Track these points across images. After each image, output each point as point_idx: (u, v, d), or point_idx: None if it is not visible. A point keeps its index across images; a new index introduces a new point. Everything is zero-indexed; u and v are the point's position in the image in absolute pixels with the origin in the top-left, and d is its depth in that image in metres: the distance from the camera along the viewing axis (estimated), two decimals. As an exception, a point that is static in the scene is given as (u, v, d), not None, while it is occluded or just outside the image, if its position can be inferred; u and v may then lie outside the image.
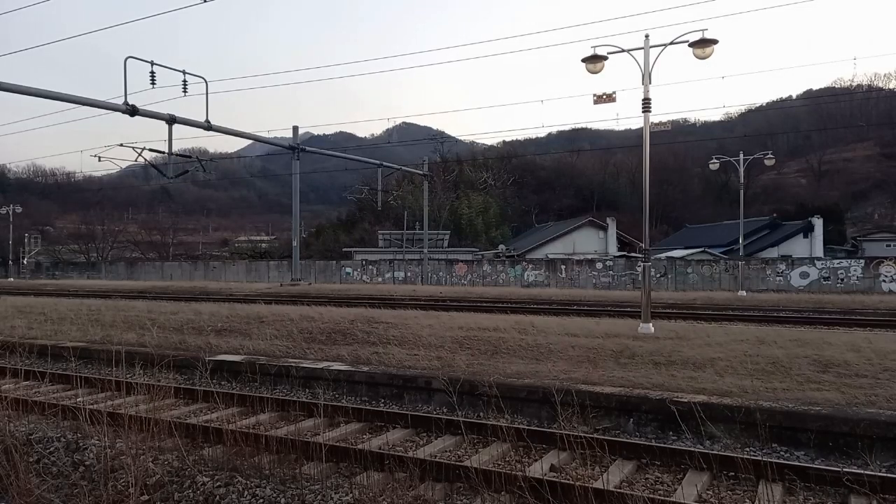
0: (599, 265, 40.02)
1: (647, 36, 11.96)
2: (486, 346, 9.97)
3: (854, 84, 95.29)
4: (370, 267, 46.50)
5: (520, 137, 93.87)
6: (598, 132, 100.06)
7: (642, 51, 11.92)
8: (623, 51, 11.94)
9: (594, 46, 12.02)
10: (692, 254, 43.41)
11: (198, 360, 9.80)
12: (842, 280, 33.06)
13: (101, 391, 8.43)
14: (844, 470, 5.03)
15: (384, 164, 36.57)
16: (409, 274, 44.68)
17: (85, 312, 15.87)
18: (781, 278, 34.53)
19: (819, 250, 46.98)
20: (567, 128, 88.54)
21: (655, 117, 14.30)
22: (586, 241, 54.55)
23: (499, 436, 6.05)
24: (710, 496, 4.97)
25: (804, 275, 34.08)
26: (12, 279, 56.87)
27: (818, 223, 48.98)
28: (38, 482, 5.24)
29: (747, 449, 5.97)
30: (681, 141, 65.88)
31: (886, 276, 32.26)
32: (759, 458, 5.47)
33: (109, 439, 5.69)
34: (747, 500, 4.94)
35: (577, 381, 7.57)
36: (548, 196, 76.84)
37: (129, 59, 21.17)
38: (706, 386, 7.20)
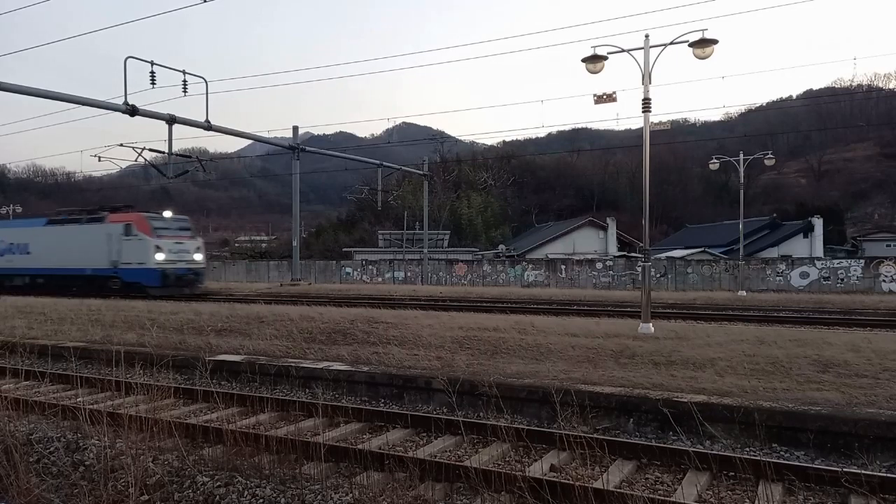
0: (599, 265, 40.02)
1: (647, 36, 11.96)
2: (486, 346, 9.97)
3: (854, 84, 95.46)
4: (370, 267, 46.49)
5: (520, 137, 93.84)
6: (598, 132, 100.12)
7: (642, 51, 11.91)
8: (623, 51, 11.94)
9: (594, 46, 12.02)
10: (692, 254, 43.40)
11: (198, 360, 9.79)
12: (842, 280, 33.05)
13: (101, 391, 8.44)
14: (844, 470, 5.03)
15: (384, 164, 36.57)
16: (409, 274, 44.68)
17: (85, 312, 15.86)
18: (781, 278, 34.52)
19: (819, 250, 46.97)
20: (567, 128, 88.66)
21: (655, 117, 14.30)
22: (586, 241, 54.55)
23: (499, 436, 6.05)
24: (710, 496, 4.97)
25: (804, 275, 34.08)
26: (12, 279, 56.79)
27: (818, 223, 48.98)
28: (38, 482, 5.24)
29: (747, 449, 5.97)
30: (681, 141, 65.83)
31: (886, 276, 32.25)
32: (759, 458, 5.47)
33: (109, 439, 5.69)
34: (747, 500, 4.95)
35: (576, 381, 7.56)
36: (548, 196, 76.84)
37: (129, 59, 21.18)
38: (706, 386, 7.20)
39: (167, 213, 27.73)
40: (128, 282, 25.42)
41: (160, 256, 25.16)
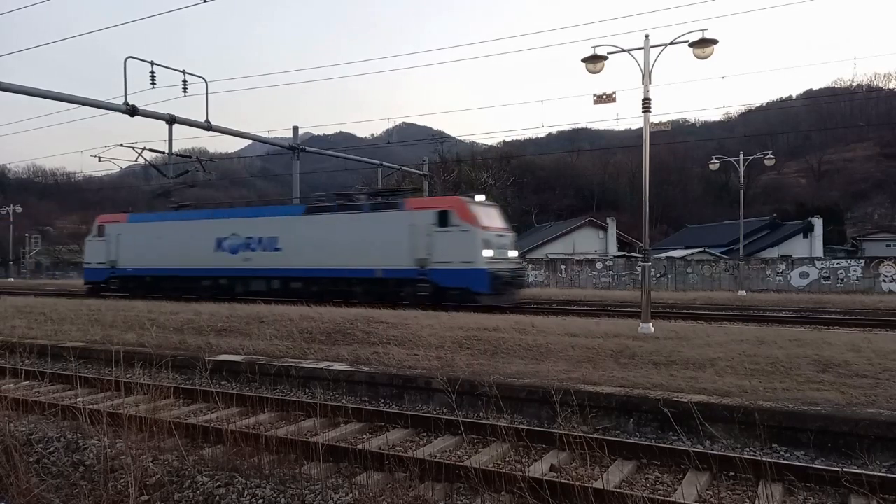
0: (599, 265, 40.02)
1: (647, 36, 11.96)
2: (486, 346, 9.97)
3: (854, 84, 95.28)
4: (370, 267, 46.25)
5: (520, 137, 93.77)
6: (598, 132, 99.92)
7: (642, 51, 11.92)
8: (623, 51, 11.94)
9: (594, 46, 12.03)
10: (692, 254, 43.42)
11: (197, 360, 9.80)
12: (842, 280, 33.06)
13: (100, 391, 8.45)
14: (844, 470, 5.03)
15: (384, 164, 36.54)
16: (409, 274, 44.54)
17: (85, 312, 15.87)
18: (781, 278, 34.52)
19: (819, 250, 46.97)
20: (567, 128, 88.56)
21: (655, 117, 14.30)
22: (586, 241, 54.53)
23: (498, 436, 6.05)
24: (710, 496, 4.97)
25: (804, 275, 34.08)
26: (12, 279, 56.90)
27: (818, 223, 49.00)
28: (37, 482, 5.24)
29: (747, 449, 5.97)
30: (681, 141, 65.77)
31: (886, 276, 32.25)
32: (759, 458, 5.47)
33: (109, 439, 5.69)
34: (747, 501, 4.95)
35: (576, 381, 7.57)
36: (548, 196, 76.80)
37: (129, 60, 21.16)
38: (706, 386, 7.20)
39: (480, 197, 21.33)
40: (444, 286, 19.23)
41: (488, 253, 19.03)
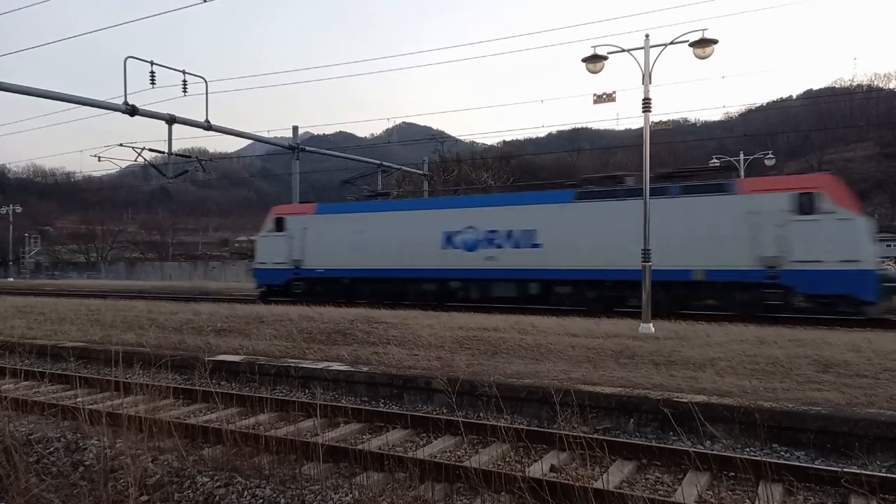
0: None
1: (647, 36, 11.97)
2: (486, 346, 9.97)
3: (854, 84, 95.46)
4: (371, 267, 46.05)
5: (520, 137, 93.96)
6: (598, 132, 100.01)
7: (642, 51, 11.92)
8: (623, 51, 11.94)
9: (594, 46, 12.04)
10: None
11: (197, 360, 9.80)
12: (842, 280, 32.98)
13: (100, 391, 8.45)
14: (844, 470, 5.03)
15: (384, 163, 36.53)
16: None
17: (84, 312, 15.87)
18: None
19: (819, 250, 46.86)
20: (567, 127, 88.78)
21: (655, 117, 14.29)
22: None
23: (498, 436, 6.05)
24: (710, 496, 4.97)
25: (804, 275, 34.00)
26: (12, 279, 56.91)
27: (818, 223, 48.91)
28: (37, 482, 5.24)
29: (747, 449, 5.97)
30: (680, 141, 65.91)
31: (886, 276, 32.20)
32: (759, 458, 5.47)
33: (109, 439, 5.70)
34: (747, 501, 4.94)
35: (576, 381, 7.56)
36: (548, 196, 76.64)
37: (129, 59, 21.17)
38: (706, 386, 7.20)
39: None
40: (808, 293, 15.43)
41: (873, 250, 15.13)
